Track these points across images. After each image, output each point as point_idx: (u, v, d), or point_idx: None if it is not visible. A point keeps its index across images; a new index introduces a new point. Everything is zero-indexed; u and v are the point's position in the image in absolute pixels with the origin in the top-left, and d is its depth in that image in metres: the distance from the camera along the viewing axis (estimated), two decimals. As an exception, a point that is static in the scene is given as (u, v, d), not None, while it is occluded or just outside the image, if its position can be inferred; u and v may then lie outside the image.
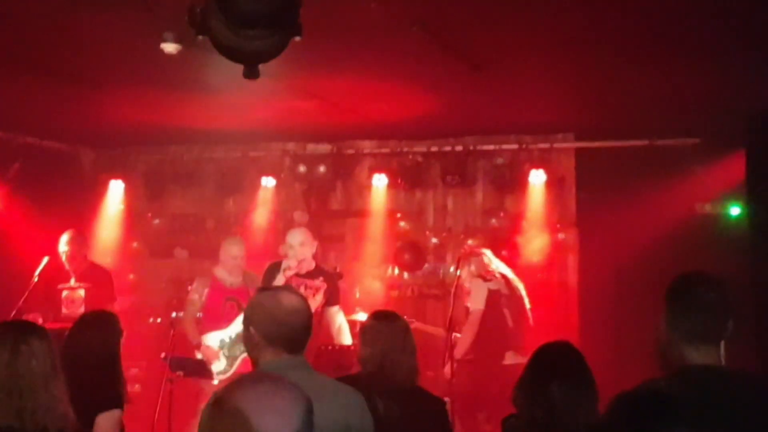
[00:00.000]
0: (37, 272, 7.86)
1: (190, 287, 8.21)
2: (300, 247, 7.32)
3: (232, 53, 2.99)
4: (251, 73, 3.02)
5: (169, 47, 5.40)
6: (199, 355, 7.66)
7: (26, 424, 3.28)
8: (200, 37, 3.00)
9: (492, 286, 7.60)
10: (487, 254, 7.79)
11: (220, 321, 7.76)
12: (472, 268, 7.67)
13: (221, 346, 7.69)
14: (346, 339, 7.44)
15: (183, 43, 5.30)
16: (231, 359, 7.69)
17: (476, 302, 7.54)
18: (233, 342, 7.68)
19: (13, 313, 7.50)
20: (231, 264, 7.89)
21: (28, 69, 6.45)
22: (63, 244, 8.16)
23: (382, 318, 4.72)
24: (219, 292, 7.89)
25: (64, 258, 8.15)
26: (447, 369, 7.10)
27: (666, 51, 5.84)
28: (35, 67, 6.40)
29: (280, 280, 7.19)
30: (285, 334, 3.32)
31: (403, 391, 4.40)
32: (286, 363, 3.28)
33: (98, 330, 4.76)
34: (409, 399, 4.39)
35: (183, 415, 7.33)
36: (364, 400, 3.48)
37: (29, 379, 3.31)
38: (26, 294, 7.66)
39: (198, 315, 7.88)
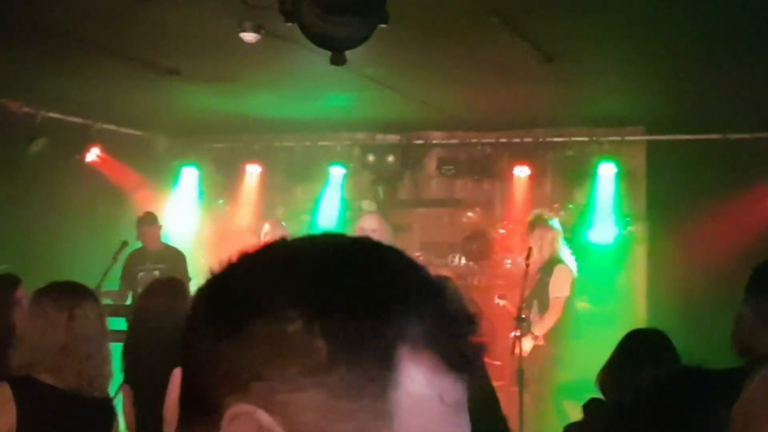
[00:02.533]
0: (114, 255, 8.07)
1: None
2: (372, 233, 7.40)
3: (320, 40, 3.07)
4: (338, 60, 3.10)
5: (249, 36, 5.50)
6: None
7: (83, 385, 3.41)
8: (289, 24, 3.09)
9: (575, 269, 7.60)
10: (556, 224, 7.81)
11: None
12: (543, 236, 7.67)
13: None
14: None
15: (262, 32, 5.40)
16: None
17: (562, 289, 7.61)
18: None
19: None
20: None
21: (108, 57, 6.63)
22: (139, 227, 8.36)
23: None
24: None
25: (140, 240, 8.34)
26: (527, 344, 7.10)
27: (741, 42, 5.79)
28: (115, 55, 6.57)
29: None
30: None
31: None
32: None
33: (171, 296, 4.84)
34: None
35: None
36: None
37: (85, 342, 3.42)
38: (104, 275, 7.87)
39: None
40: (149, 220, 8.47)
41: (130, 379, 4.73)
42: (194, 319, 0.89)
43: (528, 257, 7.46)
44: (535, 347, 7.48)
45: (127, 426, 4.74)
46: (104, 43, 6.33)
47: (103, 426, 3.68)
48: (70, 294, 3.49)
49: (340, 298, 0.83)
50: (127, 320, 5.08)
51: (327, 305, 0.83)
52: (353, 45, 3.11)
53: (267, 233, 8.44)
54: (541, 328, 7.49)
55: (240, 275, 0.88)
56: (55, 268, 8.35)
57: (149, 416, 4.57)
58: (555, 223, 7.89)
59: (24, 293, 5.19)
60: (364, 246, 0.91)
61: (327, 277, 0.85)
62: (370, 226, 7.52)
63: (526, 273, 7.38)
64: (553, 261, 7.74)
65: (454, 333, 0.86)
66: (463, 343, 0.87)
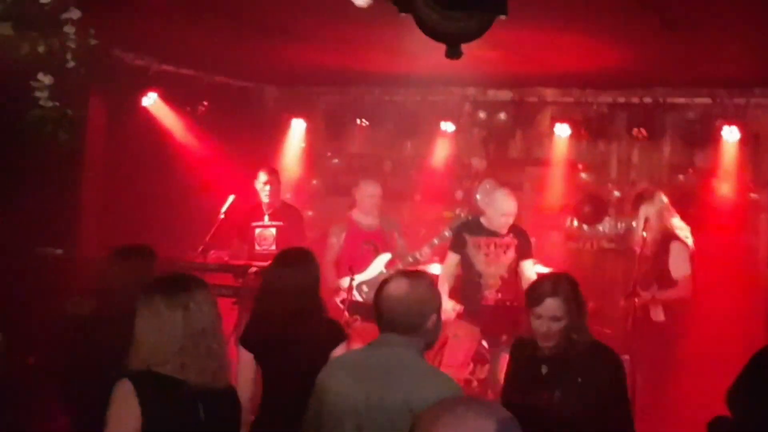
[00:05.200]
0: (223, 209, 8.09)
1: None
2: (502, 218, 7.32)
3: (435, 33, 2.92)
4: (453, 54, 2.95)
5: (360, 1, 5.34)
6: (338, 300, 7.68)
7: (207, 380, 3.37)
8: (403, 15, 2.94)
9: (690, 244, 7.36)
10: (663, 197, 7.51)
11: (358, 264, 7.78)
12: (652, 211, 7.38)
13: (359, 289, 7.73)
14: None
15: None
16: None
17: (682, 268, 7.30)
18: (371, 286, 7.71)
19: (200, 248, 7.80)
20: (368, 203, 7.91)
21: (221, 15, 6.58)
22: (261, 182, 8.25)
23: None
24: (356, 235, 7.93)
25: (263, 194, 8.25)
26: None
27: None
28: (227, 13, 6.51)
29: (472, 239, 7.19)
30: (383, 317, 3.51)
31: None
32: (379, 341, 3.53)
33: (302, 267, 4.90)
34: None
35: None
36: (456, 385, 3.54)
37: (203, 336, 3.37)
38: (212, 231, 7.93)
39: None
40: (271, 176, 8.34)
41: (250, 343, 4.84)
42: None
43: (645, 228, 7.16)
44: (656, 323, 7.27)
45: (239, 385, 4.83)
46: (218, 5, 6.29)
47: (230, 418, 3.64)
48: (182, 289, 3.43)
49: None
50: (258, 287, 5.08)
51: None
52: (470, 39, 2.95)
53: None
54: (670, 293, 7.24)
55: None
56: (164, 222, 8.51)
57: (275, 381, 4.74)
58: (662, 197, 7.52)
59: None
60: None
61: None
62: (511, 210, 7.40)
63: (642, 245, 7.09)
64: (667, 237, 7.36)
65: None
66: None
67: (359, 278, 7.71)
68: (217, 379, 3.43)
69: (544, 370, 4.27)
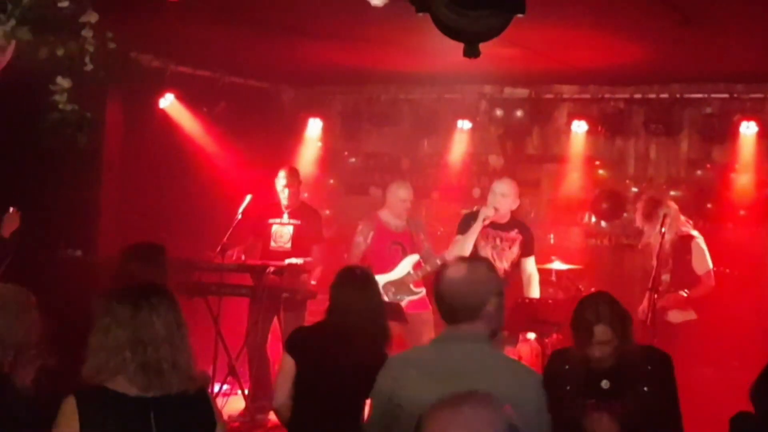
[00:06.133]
0: (241, 209, 8.10)
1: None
2: (501, 197, 7.23)
3: (452, 33, 2.92)
4: (471, 53, 2.94)
5: (376, 0, 5.34)
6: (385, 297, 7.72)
7: (141, 390, 3.18)
8: (421, 14, 2.94)
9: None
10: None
11: (385, 264, 7.79)
12: (670, 213, 7.43)
13: (386, 289, 7.74)
14: (535, 289, 7.36)
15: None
16: (397, 302, 7.75)
17: (704, 264, 7.42)
18: (398, 286, 7.72)
19: (218, 248, 7.82)
20: (399, 207, 7.88)
21: (237, 16, 6.61)
22: (282, 179, 8.24)
23: None
24: (384, 235, 7.90)
25: (284, 195, 8.24)
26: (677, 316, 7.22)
27: None
28: (243, 14, 6.54)
29: (476, 229, 7.14)
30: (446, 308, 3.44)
31: None
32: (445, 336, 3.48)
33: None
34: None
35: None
36: (535, 378, 3.47)
37: (151, 334, 3.21)
38: (230, 231, 7.95)
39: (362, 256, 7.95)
40: (294, 174, 8.36)
41: (300, 357, 4.82)
42: None
43: (663, 227, 7.18)
44: (686, 322, 7.30)
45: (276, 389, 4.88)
46: (234, 6, 6.31)
47: (196, 425, 3.36)
48: (133, 296, 3.28)
49: None
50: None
51: None
52: (488, 38, 2.94)
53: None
54: (694, 292, 7.28)
55: None
56: (182, 223, 8.55)
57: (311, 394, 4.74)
58: (673, 203, 7.59)
59: None
60: None
61: None
62: (501, 189, 7.30)
63: (661, 245, 7.12)
64: (686, 237, 7.48)
65: None
66: None
67: (386, 278, 7.73)
68: (177, 388, 3.23)
69: (605, 385, 4.23)
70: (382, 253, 7.83)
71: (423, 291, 7.75)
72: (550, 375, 4.39)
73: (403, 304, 7.68)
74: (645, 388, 4.16)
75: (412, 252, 7.80)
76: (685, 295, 7.34)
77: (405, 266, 7.78)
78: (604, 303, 4.30)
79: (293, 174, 8.35)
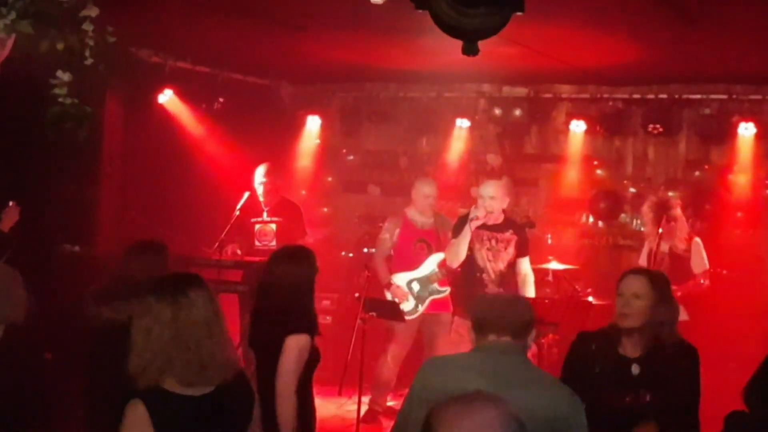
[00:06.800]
0: (239, 206, 8.10)
1: (382, 225, 8.29)
2: (490, 200, 7.20)
3: (452, 30, 2.93)
4: (470, 50, 2.96)
5: (377, -1, 5.35)
6: (388, 295, 7.78)
7: (197, 385, 3.26)
8: (420, 11, 2.95)
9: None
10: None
11: (410, 261, 7.84)
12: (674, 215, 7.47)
13: (410, 286, 7.77)
14: (530, 289, 7.34)
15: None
16: (419, 300, 7.77)
17: (702, 263, 7.50)
18: (422, 283, 7.76)
19: (216, 245, 7.82)
20: (423, 203, 7.92)
21: (236, 12, 6.60)
22: (259, 177, 8.25)
23: None
24: (410, 232, 7.94)
25: (259, 191, 8.24)
26: None
27: None
28: (243, 10, 6.53)
29: (467, 231, 7.15)
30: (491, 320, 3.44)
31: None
32: (488, 346, 3.43)
33: (293, 264, 4.79)
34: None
35: (373, 353, 7.50)
36: (572, 394, 3.42)
37: (192, 331, 3.25)
38: (228, 226, 7.95)
39: (389, 253, 8.00)
40: (268, 173, 8.32)
41: (253, 343, 4.79)
42: None
43: (660, 227, 7.22)
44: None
45: None
46: (234, 1, 6.31)
47: (245, 403, 3.51)
48: (173, 286, 3.32)
49: None
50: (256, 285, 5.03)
51: None
52: (487, 35, 2.95)
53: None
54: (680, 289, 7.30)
55: None
56: (181, 219, 8.54)
57: (268, 381, 4.58)
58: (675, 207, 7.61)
59: None
60: None
61: None
62: (488, 193, 7.27)
63: (658, 245, 7.15)
64: (688, 236, 7.55)
65: None
66: None
67: (410, 275, 7.76)
68: (219, 380, 3.31)
69: (635, 370, 4.21)
70: (408, 250, 7.88)
71: (447, 290, 7.79)
72: (577, 355, 4.38)
73: (426, 302, 7.72)
74: (673, 379, 4.14)
75: (438, 250, 7.82)
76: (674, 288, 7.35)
77: (430, 264, 7.81)
78: (655, 272, 4.34)
79: (270, 171, 8.31)
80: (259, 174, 8.28)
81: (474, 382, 3.19)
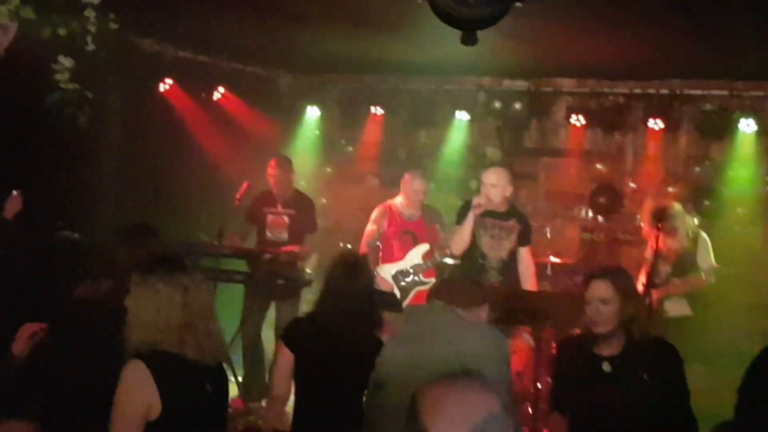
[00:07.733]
0: (238, 197, 8.09)
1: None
2: (491, 188, 7.15)
3: (450, 19, 2.93)
4: (469, 40, 2.96)
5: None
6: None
7: (205, 359, 3.43)
8: (419, 0, 2.95)
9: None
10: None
11: (396, 253, 7.82)
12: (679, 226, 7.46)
13: (395, 278, 7.75)
14: (531, 280, 7.31)
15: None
16: (404, 292, 7.76)
17: (708, 258, 7.46)
18: (407, 275, 7.74)
19: (216, 233, 7.80)
20: (413, 197, 7.91)
21: (237, 2, 6.60)
22: (272, 168, 8.14)
23: None
24: (397, 224, 7.93)
25: (272, 182, 8.14)
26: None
27: None
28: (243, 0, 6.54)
29: (470, 218, 7.12)
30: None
31: None
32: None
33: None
34: None
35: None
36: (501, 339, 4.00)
37: (201, 318, 3.42)
38: (227, 216, 7.94)
39: (377, 245, 7.98)
40: (284, 164, 8.23)
41: (297, 350, 4.78)
42: None
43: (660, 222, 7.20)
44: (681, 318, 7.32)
45: (276, 382, 4.86)
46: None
47: (225, 393, 3.79)
48: (179, 269, 3.45)
49: None
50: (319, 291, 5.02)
51: None
52: (485, 25, 2.95)
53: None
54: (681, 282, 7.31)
55: None
56: (179, 207, 8.55)
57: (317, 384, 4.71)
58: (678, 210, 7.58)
59: None
60: None
61: None
62: (490, 181, 7.22)
63: (657, 239, 7.12)
64: (695, 233, 7.50)
65: None
66: None
67: (395, 267, 7.75)
68: (217, 358, 3.53)
69: (606, 368, 4.22)
70: (393, 241, 7.86)
71: (432, 281, 7.73)
72: (562, 364, 4.43)
73: (411, 294, 7.71)
74: (645, 377, 4.13)
75: (424, 242, 7.80)
76: (677, 281, 7.35)
77: (415, 255, 7.80)
78: (617, 270, 4.36)
79: (282, 163, 8.23)
80: (272, 166, 8.18)
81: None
